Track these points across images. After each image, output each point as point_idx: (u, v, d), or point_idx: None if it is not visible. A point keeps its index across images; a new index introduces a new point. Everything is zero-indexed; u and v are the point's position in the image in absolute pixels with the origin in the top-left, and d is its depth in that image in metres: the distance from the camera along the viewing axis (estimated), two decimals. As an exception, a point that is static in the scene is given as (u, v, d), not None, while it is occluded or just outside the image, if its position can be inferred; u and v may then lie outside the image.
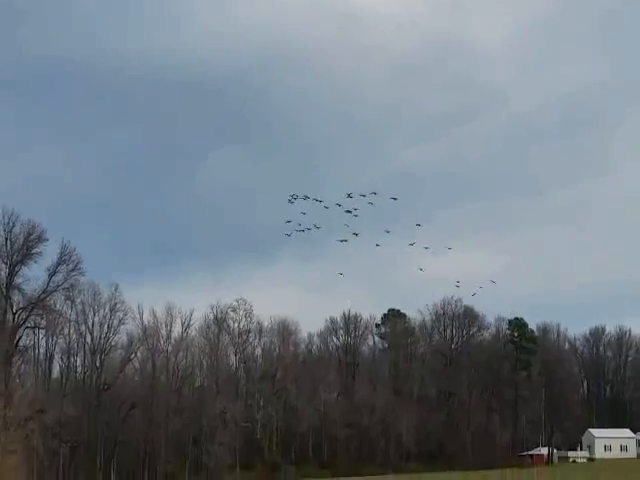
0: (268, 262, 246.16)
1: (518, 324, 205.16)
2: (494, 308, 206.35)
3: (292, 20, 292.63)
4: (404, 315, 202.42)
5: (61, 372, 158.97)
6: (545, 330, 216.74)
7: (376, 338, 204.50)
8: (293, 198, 65.82)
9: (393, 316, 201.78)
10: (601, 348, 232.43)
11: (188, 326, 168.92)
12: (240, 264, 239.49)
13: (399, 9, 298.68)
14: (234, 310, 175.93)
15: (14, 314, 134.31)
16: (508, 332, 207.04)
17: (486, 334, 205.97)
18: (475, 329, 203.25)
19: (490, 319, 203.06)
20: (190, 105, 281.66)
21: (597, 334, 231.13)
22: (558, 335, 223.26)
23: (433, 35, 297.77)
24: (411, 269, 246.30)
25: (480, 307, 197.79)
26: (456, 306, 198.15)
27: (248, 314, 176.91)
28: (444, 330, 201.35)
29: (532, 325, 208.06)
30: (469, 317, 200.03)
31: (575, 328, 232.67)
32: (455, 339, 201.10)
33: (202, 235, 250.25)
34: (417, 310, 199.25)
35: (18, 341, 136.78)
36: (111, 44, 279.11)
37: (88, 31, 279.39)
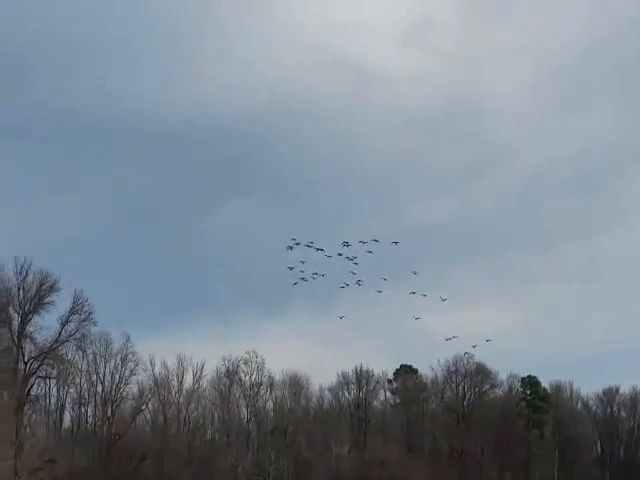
0: (279, 314, 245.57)
1: (531, 382, 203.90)
2: (506, 365, 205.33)
3: (302, 73, 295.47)
4: (416, 371, 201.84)
5: (72, 422, 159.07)
6: (558, 389, 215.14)
7: (388, 393, 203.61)
8: (295, 244, 66.88)
9: (405, 372, 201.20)
10: (615, 408, 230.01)
11: (200, 378, 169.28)
12: (251, 316, 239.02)
13: (410, 64, 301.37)
14: (245, 363, 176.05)
15: (25, 363, 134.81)
16: (521, 390, 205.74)
17: (498, 391, 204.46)
18: (487, 386, 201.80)
19: (502, 376, 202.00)
20: (196, 156, 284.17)
21: (611, 394, 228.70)
22: (571, 394, 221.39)
23: (445, 90, 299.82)
24: (423, 324, 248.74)
25: (492, 364, 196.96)
26: (468, 363, 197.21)
27: (259, 367, 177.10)
28: (456, 387, 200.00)
29: (545, 383, 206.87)
30: (481, 374, 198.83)
31: (588, 387, 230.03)
32: (467, 396, 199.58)
33: (213, 287, 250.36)
34: (429, 366, 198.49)
35: (29, 390, 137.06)
36: (118, 94, 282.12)
37: (97, 83, 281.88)
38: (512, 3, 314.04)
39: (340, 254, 68.27)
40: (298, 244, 70.42)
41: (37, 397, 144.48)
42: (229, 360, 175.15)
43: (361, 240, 70.98)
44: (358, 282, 72.08)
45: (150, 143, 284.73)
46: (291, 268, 70.46)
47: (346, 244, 73.87)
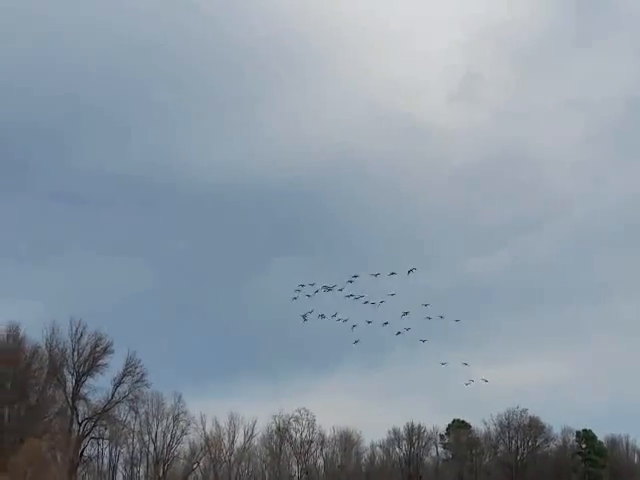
0: (329, 371, 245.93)
1: (586, 436, 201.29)
2: (559, 419, 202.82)
3: (353, 132, 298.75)
4: (468, 425, 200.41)
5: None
6: (614, 442, 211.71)
7: (440, 448, 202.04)
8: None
9: (457, 427, 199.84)
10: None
11: (251, 436, 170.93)
12: (301, 373, 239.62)
13: (461, 119, 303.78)
14: (296, 420, 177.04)
15: (79, 424, 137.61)
16: (576, 444, 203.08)
17: (552, 445, 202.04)
18: (541, 440, 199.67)
19: (557, 430, 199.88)
20: (246, 219, 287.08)
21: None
22: (627, 447, 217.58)
23: (495, 144, 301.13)
24: (474, 378, 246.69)
25: (546, 418, 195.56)
26: (521, 417, 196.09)
27: (310, 424, 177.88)
28: (509, 441, 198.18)
29: (600, 436, 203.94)
30: (535, 428, 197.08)
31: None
32: (521, 450, 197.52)
33: (263, 345, 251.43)
34: (481, 420, 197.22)
35: (83, 451, 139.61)
36: (169, 158, 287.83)
37: (145, 147, 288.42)
38: (562, 55, 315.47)
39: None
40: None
41: (90, 458, 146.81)
42: (280, 418, 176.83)
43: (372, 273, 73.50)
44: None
45: (199, 206, 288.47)
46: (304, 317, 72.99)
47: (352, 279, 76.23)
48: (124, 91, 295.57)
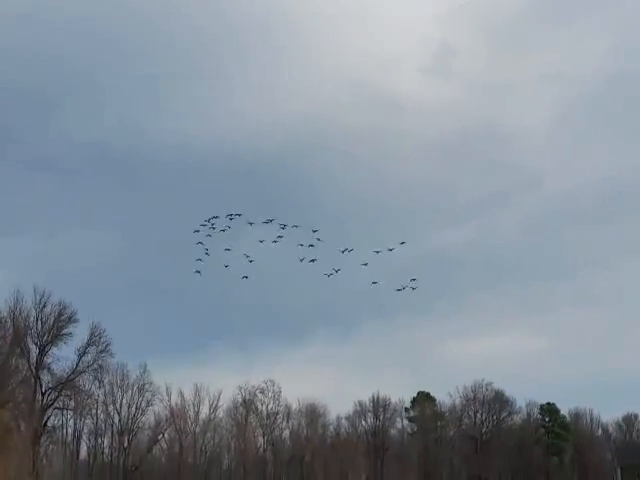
0: (298, 343, 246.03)
1: (550, 409, 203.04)
2: (525, 392, 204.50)
3: (326, 104, 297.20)
4: (434, 399, 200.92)
5: (89, 453, 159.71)
6: (577, 416, 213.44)
7: (405, 421, 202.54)
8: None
9: (422, 399, 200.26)
10: (635, 434, 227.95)
11: (216, 408, 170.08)
12: (270, 346, 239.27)
13: (435, 94, 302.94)
14: (262, 392, 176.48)
15: (43, 394, 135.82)
16: (539, 417, 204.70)
17: (517, 419, 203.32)
18: (506, 414, 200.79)
19: (521, 403, 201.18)
20: (222, 188, 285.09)
21: (630, 420, 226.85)
22: (591, 421, 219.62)
23: (468, 119, 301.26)
24: (441, 351, 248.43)
25: (511, 391, 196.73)
26: (486, 390, 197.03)
27: (276, 396, 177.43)
28: (474, 414, 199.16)
29: (564, 410, 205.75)
30: (500, 401, 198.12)
31: (608, 414, 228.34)
32: (485, 423, 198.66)
33: (232, 316, 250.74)
34: (447, 393, 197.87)
35: (46, 421, 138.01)
36: (149, 131, 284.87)
37: (120, 118, 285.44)
38: (536, 31, 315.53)
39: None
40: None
41: (54, 428, 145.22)
42: (245, 389, 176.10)
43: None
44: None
45: (173, 177, 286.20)
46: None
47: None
48: (106, 60, 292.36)
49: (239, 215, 72.08)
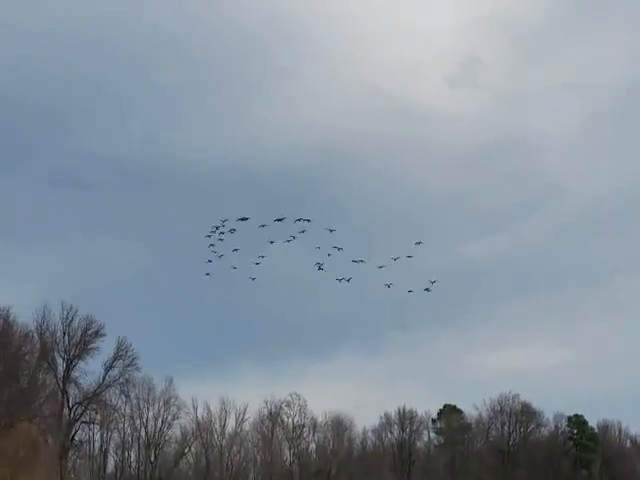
0: (323, 357, 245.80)
1: (578, 421, 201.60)
2: (552, 404, 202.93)
3: (350, 115, 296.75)
4: (460, 411, 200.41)
5: (115, 466, 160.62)
6: (606, 427, 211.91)
7: (432, 434, 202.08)
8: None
9: (449, 412, 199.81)
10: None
11: (242, 421, 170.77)
12: (296, 359, 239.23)
13: (459, 104, 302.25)
14: (288, 405, 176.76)
15: (70, 408, 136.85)
16: (567, 429, 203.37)
17: (544, 431, 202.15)
18: (533, 426, 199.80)
19: (549, 415, 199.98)
20: (244, 201, 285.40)
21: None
22: (620, 432, 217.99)
23: (491, 129, 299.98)
24: (467, 363, 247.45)
25: (538, 403, 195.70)
26: (514, 402, 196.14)
27: (302, 409, 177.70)
28: (501, 426, 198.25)
29: (592, 422, 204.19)
30: (527, 413, 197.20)
31: (637, 425, 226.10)
32: (513, 435, 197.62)
33: (258, 330, 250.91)
34: (473, 405, 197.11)
35: (74, 435, 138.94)
36: (167, 142, 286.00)
37: (143, 130, 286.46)
38: (559, 40, 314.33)
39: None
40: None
41: (81, 442, 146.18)
42: (271, 403, 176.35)
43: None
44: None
45: (196, 190, 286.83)
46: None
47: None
48: (124, 73, 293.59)
49: (247, 219, 72.52)
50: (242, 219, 73.70)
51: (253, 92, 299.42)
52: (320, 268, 73.15)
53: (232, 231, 73.34)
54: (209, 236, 73.89)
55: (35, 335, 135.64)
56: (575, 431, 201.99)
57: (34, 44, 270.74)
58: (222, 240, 73.39)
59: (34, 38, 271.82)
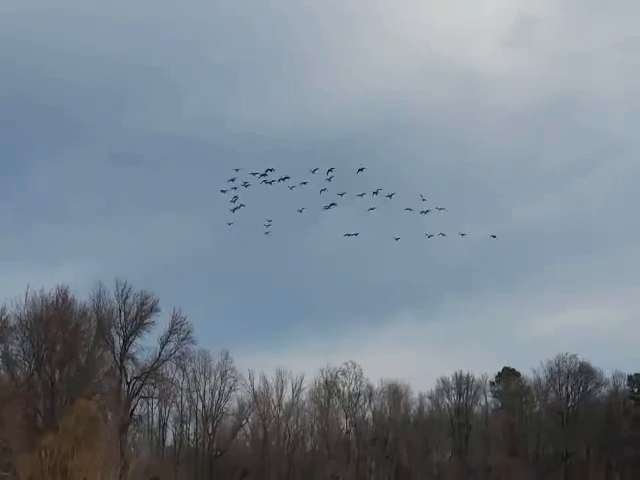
0: (380, 324, 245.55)
1: (638, 380, 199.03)
2: (612, 363, 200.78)
3: (407, 81, 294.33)
4: (518, 374, 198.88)
5: (174, 440, 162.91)
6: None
7: (489, 398, 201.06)
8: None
9: (507, 375, 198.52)
10: None
11: (299, 391, 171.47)
12: (353, 327, 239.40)
13: (514, 65, 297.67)
14: (343, 373, 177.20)
15: (128, 384, 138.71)
16: (628, 388, 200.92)
17: (604, 390, 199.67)
18: (592, 385, 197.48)
19: (608, 375, 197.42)
20: (300, 168, 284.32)
21: None
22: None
23: (549, 88, 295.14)
24: (525, 326, 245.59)
25: (597, 363, 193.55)
26: (571, 363, 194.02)
27: (358, 377, 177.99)
28: (559, 388, 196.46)
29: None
30: (585, 374, 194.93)
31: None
32: (571, 397, 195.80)
33: (314, 299, 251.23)
34: (531, 368, 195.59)
35: (133, 410, 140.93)
36: (228, 118, 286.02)
37: (198, 106, 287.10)
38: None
39: None
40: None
41: (140, 417, 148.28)
42: (327, 372, 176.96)
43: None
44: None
45: (251, 164, 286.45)
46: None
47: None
48: (179, 50, 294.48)
49: (272, 170, 71.99)
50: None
51: (310, 64, 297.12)
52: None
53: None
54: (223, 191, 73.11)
55: (93, 314, 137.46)
56: (636, 390, 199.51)
57: (94, 29, 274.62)
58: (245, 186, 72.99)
59: (93, 23, 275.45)
